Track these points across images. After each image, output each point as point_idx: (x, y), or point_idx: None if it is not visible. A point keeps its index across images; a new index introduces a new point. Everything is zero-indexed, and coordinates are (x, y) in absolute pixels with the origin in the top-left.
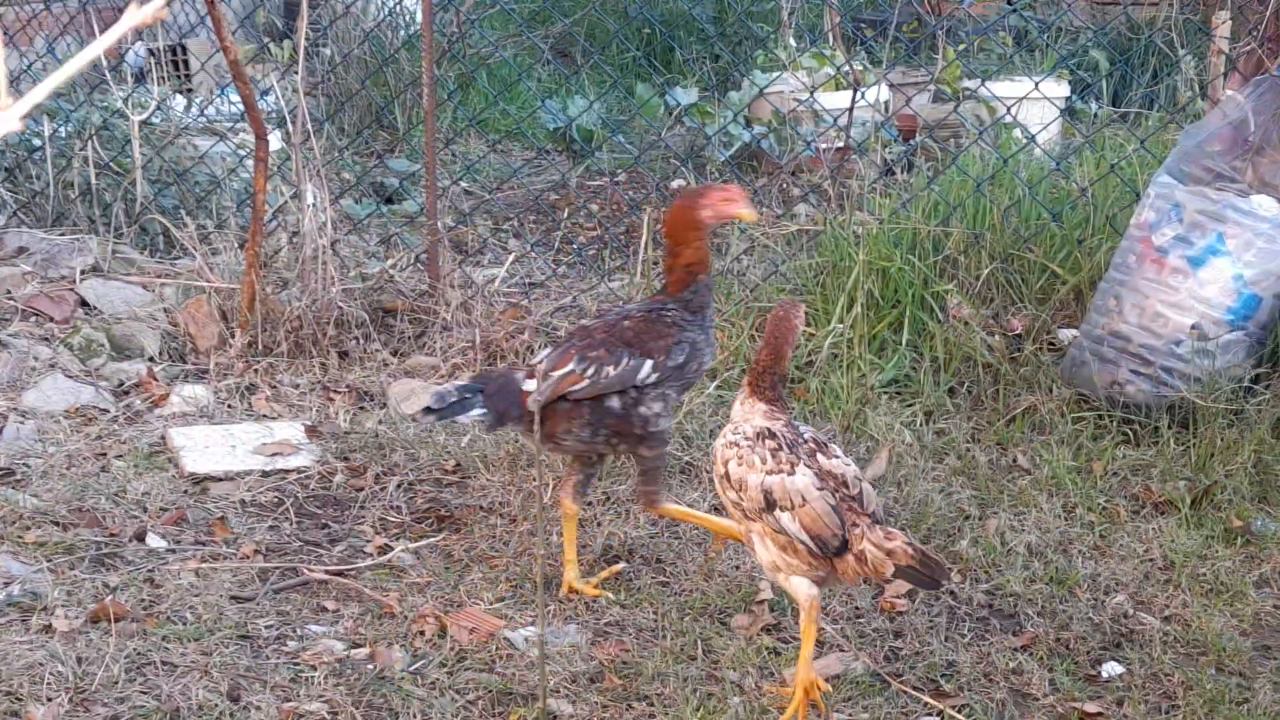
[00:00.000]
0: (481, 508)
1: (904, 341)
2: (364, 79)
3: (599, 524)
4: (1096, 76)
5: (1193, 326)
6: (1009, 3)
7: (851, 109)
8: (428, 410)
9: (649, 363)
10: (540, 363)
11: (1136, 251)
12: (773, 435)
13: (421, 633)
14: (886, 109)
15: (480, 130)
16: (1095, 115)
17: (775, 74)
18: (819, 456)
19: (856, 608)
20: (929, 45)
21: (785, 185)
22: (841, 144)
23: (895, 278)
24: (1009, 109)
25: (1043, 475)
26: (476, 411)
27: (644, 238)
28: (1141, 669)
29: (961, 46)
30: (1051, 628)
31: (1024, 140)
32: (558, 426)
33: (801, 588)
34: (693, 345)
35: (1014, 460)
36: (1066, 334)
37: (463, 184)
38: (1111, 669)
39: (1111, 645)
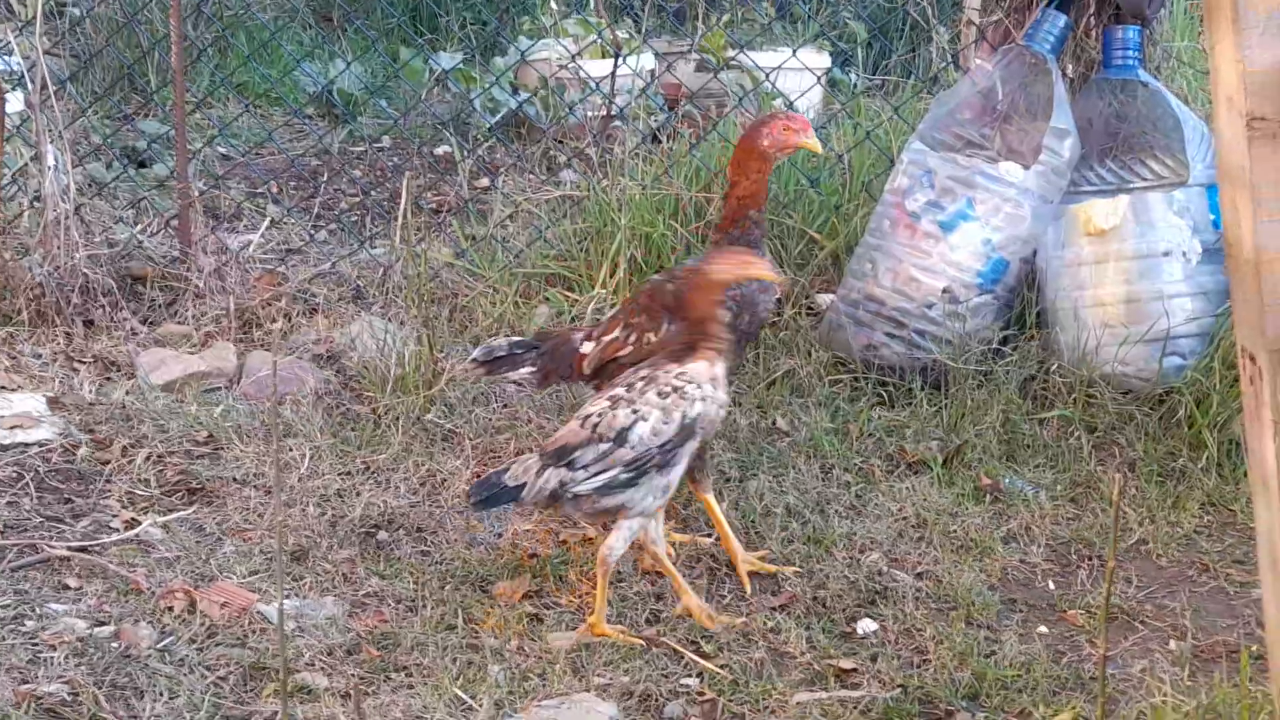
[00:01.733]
0: (235, 479)
1: None
2: (109, 37)
3: (357, 493)
4: (855, 47)
5: (944, 290)
6: None
7: (614, 76)
8: (475, 362)
9: None
10: (601, 323)
11: (891, 217)
12: None
13: (170, 609)
14: (653, 77)
15: (240, 94)
16: (854, 85)
17: (538, 40)
18: None
19: (619, 572)
20: (695, 15)
21: (550, 151)
22: (610, 112)
23: (658, 243)
24: (767, 76)
25: (801, 437)
26: (526, 370)
27: (403, 202)
28: (895, 625)
29: (726, 17)
30: (809, 587)
31: (783, 108)
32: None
33: None
34: (742, 298)
35: (773, 423)
36: (824, 298)
37: (220, 148)
38: (866, 626)
39: (866, 602)
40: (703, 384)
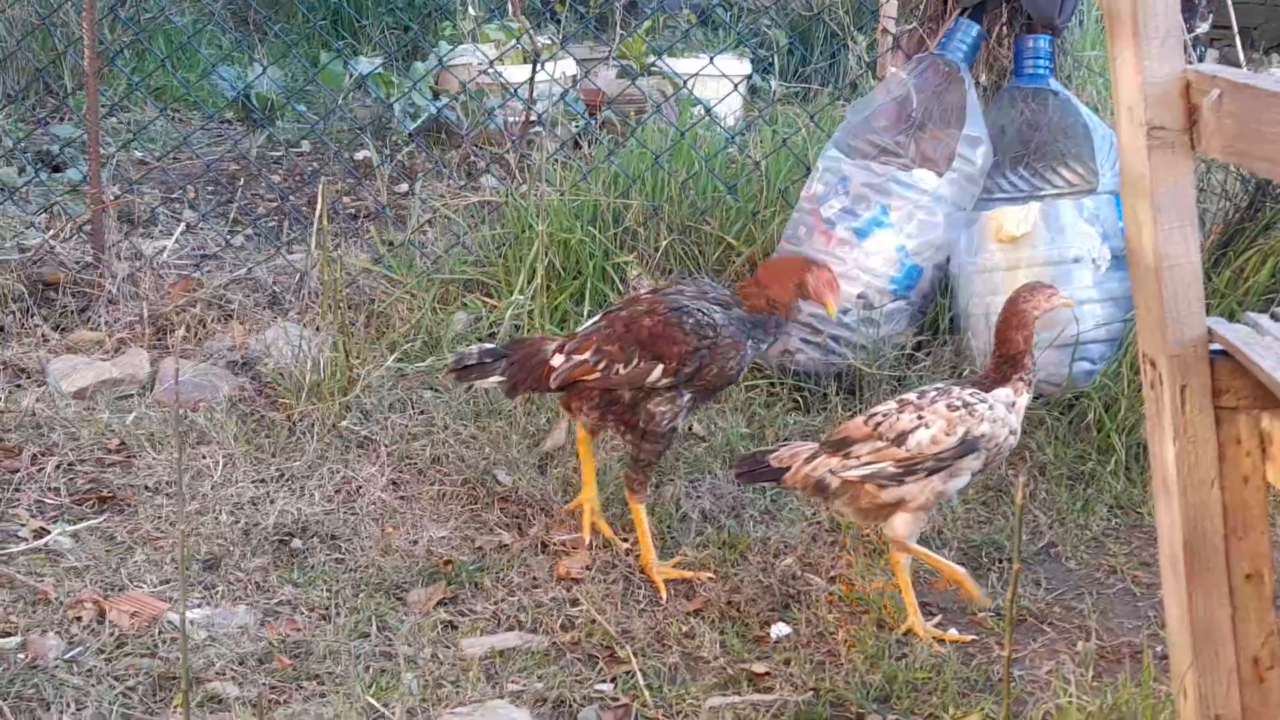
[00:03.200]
0: (147, 488)
1: (585, 313)
2: (22, 39)
3: (271, 500)
4: (774, 54)
5: (859, 296)
6: None
7: (532, 81)
8: (448, 369)
9: (660, 367)
10: (575, 336)
11: (807, 223)
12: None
13: (79, 619)
14: (575, 83)
15: (157, 98)
16: (774, 92)
17: (457, 46)
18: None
19: (535, 578)
20: (619, 22)
21: (470, 157)
22: (529, 117)
23: (576, 249)
24: (685, 83)
25: (717, 442)
26: (494, 379)
27: (319, 208)
28: (808, 628)
29: (648, 23)
30: (723, 591)
31: (705, 115)
32: (572, 402)
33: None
34: (713, 349)
35: (690, 428)
36: None
37: (137, 152)
38: (780, 629)
39: (780, 606)
40: (997, 406)
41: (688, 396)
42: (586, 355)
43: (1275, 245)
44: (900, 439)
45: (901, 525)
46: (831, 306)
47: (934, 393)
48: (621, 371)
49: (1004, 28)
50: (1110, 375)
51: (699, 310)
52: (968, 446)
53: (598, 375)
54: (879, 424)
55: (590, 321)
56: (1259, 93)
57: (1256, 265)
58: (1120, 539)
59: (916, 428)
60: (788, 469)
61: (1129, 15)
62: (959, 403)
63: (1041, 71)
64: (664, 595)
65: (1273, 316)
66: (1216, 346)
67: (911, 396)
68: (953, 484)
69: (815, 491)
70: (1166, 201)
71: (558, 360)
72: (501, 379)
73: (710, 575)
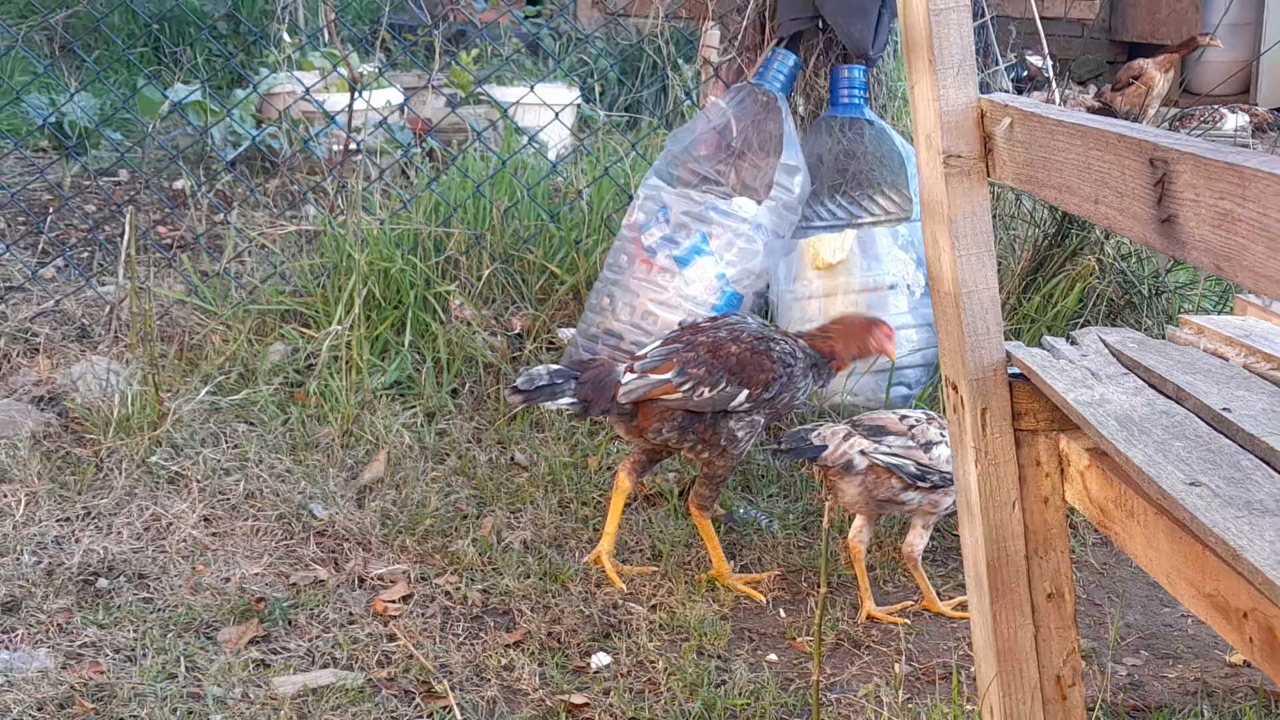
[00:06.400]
0: None
1: (406, 343)
2: None
3: (76, 539)
4: (596, 82)
5: (680, 323)
6: (522, 12)
7: (350, 109)
8: (515, 390)
9: (745, 392)
10: (644, 356)
11: (628, 252)
12: None
13: None
14: (403, 110)
15: None
16: (601, 120)
17: (277, 73)
18: None
19: (350, 613)
20: (446, 50)
21: (289, 185)
22: (349, 146)
23: (397, 278)
24: (505, 112)
25: (540, 472)
26: (565, 400)
27: (127, 237)
28: (628, 657)
29: (475, 52)
30: (544, 622)
31: (527, 144)
32: (649, 422)
33: None
34: (790, 378)
35: (512, 458)
36: (565, 333)
37: None
38: (600, 659)
39: (601, 636)
40: None
41: (761, 420)
42: (669, 375)
43: (1083, 271)
44: (927, 447)
45: (918, 540)
46: (893, 354)
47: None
48: (706, 394)
49: (820, 58)
50: (925, 399)
51: (783, 340)
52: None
53: (679, 396)
54: (912, 426)
55: (655, 343)
56: (1045, 121)
57: (1065, 290)
58: (937, 561)
59: (940, 442)
60: (826, 446)
61: (924, 45)
62: None
63: (856, 101)
64: (760, 598)
65: (1070, 341)
66: (1015, 370)
67: (935, 415)
68: (946, 501)
69: (840, 473)
70: (964, 228)
71: (628, 378)
72: (573, 400)
73: (776, 574)
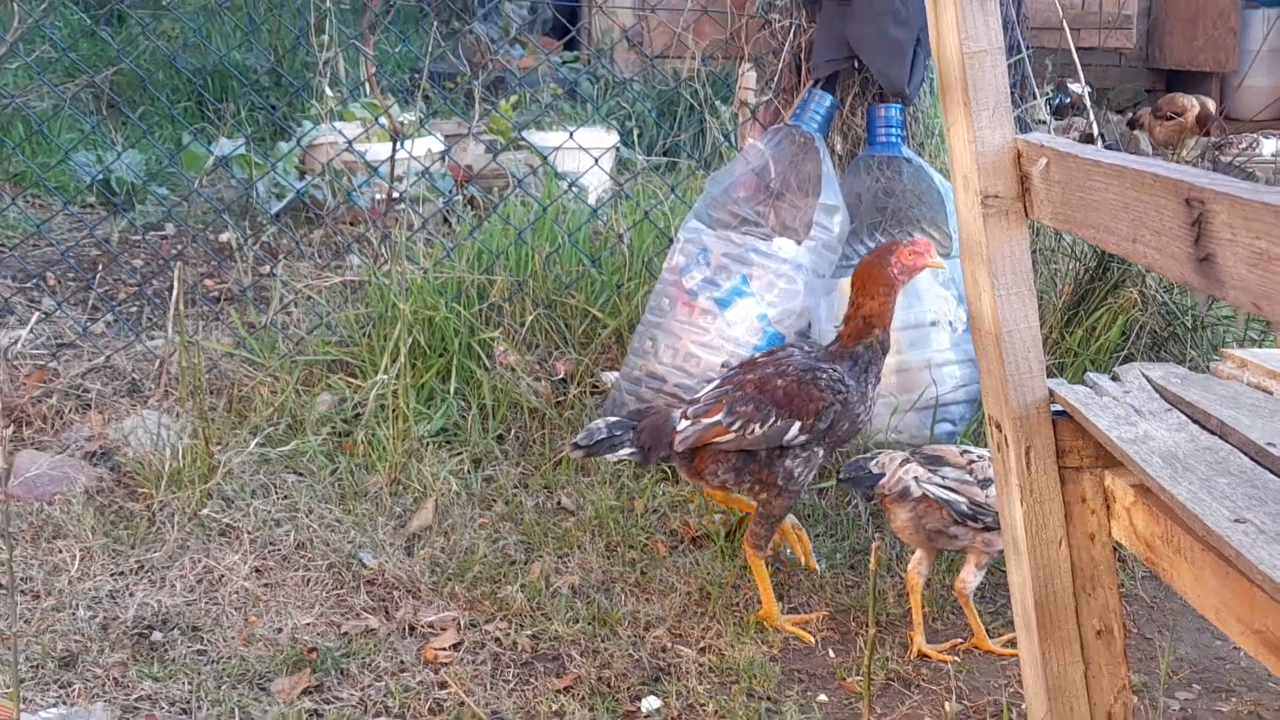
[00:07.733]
0: (1, 586)
1: (452, 390)
2: None
3: (130, 593)
4: (634, 126)
5: (723, 365)
6: (560, 58)
7: (393, 159)
8: (575, 446)
9: (797, 424)
10: (697, 401)
11: (670, 295)
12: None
13: None
14: (444, 159)
15: (17, 183)
16: (639, 164)
17: (319, 125)
18: None
19: (402, 662)
20: (479, 99)
21: (333, 236)
22: (392, 195)
23: (441, 326)
24: (545, 158)
25: (586, 516)
26: (625, 451)
27: (175, 292)
28: (678, 700)
29: (514, 99)
30: (593, 667)
31: (568, 189)
32: (705, 466)
33: None
34: (844, 405)
35: (559, 503)
36: (609, 376)
37: None
38: (650, 703)
39: (651, 680)
40: None
41: (821, 452)
42: (718, 417)
43: (1124, 304)
44: (984, 484)
45: (970, 576)
46: (935, 262)
47: None
48: (757, 431)
49: (857, 97)
50: (970, 436)
51: (831, 368)
52: None
53: (732, 436)
54: (972, 461)
55: (710, 386)
56: (1081, 161)
57: (1107, 323)
58: (985, 598)
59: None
60: (883, 474)
61: (959, 87)
62: None
63: (894, 140)
64: (809, 639)
65: (1113, 377)
66: (1058, 407)
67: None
68: (1000, 544)
69: (897, 499)
70: (1003, 268)
71: (683, 425)
72: (633, 450)
73: (824, 614)
